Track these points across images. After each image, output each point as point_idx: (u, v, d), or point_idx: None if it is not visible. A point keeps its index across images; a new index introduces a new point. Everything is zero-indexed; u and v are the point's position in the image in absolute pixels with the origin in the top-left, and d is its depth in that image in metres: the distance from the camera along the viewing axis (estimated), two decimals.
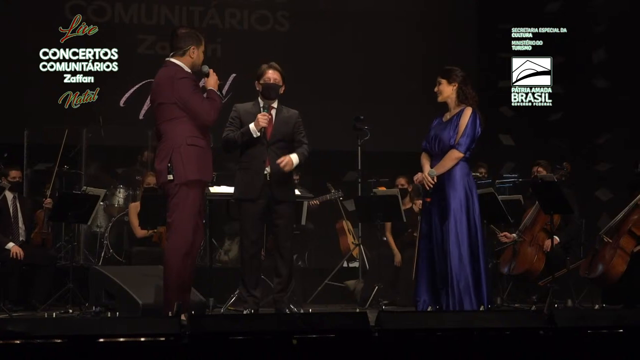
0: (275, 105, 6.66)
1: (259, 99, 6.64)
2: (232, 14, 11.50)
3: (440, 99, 6.26)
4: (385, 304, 7.99)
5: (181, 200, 5.61)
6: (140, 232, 8.65)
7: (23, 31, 10.88)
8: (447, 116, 6.24)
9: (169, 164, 5.60)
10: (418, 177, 6.21)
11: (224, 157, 7.46)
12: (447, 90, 6.21)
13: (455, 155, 6.08)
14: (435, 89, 6.25)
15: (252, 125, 6.47)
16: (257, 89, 6.69)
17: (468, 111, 6.15)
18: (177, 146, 5.60)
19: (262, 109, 6.52)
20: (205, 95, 5.71)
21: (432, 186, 6.06)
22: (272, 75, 6.61)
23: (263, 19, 11.53)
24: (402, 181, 8.94)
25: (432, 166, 6.16)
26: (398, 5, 11.56)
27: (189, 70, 5.75)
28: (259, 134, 6.47)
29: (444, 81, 6.21)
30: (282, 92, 6.67)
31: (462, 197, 6.06)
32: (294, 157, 6.58)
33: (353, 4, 11.51)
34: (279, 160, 6.48)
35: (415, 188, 8.61)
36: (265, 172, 6.53)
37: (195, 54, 5.76)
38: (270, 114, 6.56)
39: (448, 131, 6.13)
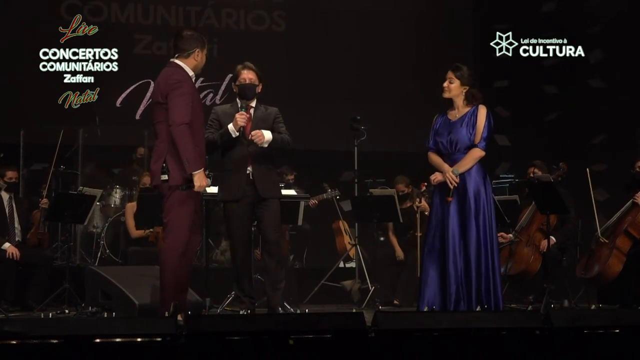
0: (253, 104, 6.59)
1: (237, 99, 6.60)
2: (229, 13, 11.50)
3: (447, 95, 6.14)
4: (381, 304, 8.00)
5: (176, 201, 5.61)
6: (135, 233, 8.65)
7: (23, 31, 10.87)
8: (456, 115, 6.14)
9: (164, 164, 5.61)
10: (437, 177, 6.09)
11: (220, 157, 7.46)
12: (457, 91, 6.12)
13: (478, 154, 6.04)
14: (445, 85, 6.13)
15: (230, 126, 6.40)
16: (234, 90, 6.65)
17: (483, 110, 6.10)
18: (170, 148, 5.60)
19: (240, 109, 6.44)
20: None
21: (456, 185, 6.01)
22: (247, 75, 6.54)
23: (259, 19, 11.53)
24: (401, 187, 8.92)
25: None
26: (395, 6, 11.57)
27: (191, 73, 5.75)
28: (237, 133, 6.39)
29: (457, 81, 6.11)
30: (259, 90, 6.60)
31: (482, 197, 6.02)
32: (267, 133, 6.41)
33: (350, 4, 11.51)
34: (252, 133, 6.35)
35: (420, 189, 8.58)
36: (248, 171, 6.45)
37: (200, 56, 5.78)
38: (249, 113, 6.51)
39: (466, 130, 6.06)
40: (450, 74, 6.14)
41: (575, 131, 11.02)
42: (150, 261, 7.14)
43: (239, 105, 6.51)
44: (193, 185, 5.58)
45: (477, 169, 6.06)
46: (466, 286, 5.94)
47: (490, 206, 6.07)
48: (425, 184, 8.15)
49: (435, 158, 6.16)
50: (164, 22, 11.27)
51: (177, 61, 5.75)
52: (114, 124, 10.62)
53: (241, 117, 6.36)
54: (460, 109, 6.15)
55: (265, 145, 6.42)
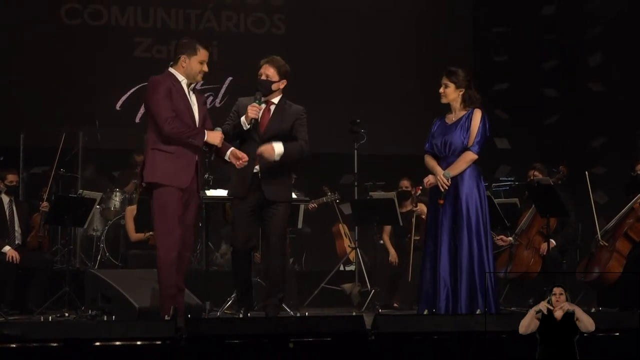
0: (275, 100, 6.40)
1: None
2: (229, 16, 11.49)
3: (444, 100, 6.17)
4: (381, 307, 7.99)
5: (156, 204, 5.70)
6: (135, 236, 8.64)
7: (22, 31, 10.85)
8: (452, 118, 6.16)
9: (142, 171, 5.74)
10: (430, 179, 6.12)
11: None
12: (454, 95, 6.13)
13: (470, 157, 6.04)
14: (441, 91, 6.15)
15: (242, 118, 6.21)
16: None
17: (478, 113, 6.11)
18: (148, 150, 5.75)
19: (254, 102, 6.22)
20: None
21: (447, 188, 6.01)
22: (264, 70, 6.40)
23: (259, 22, 11.53)
24: (405, 183, 8.92)
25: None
26: (395, 6, 11.56)
27: (181, 77, 5.78)
28: (248, 126, 6.17)
29: (452, 85, 6.11)
30: (281, 87, 6.40)
31: (474, 200, 6.02)
32: (278, 146, 6.16)
33: (350, 3, 11.50)
34: (260, 149, 6.13)
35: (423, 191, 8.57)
36: (255, 170, 6.24)
37: (187, 63, 5.81)
38: (267, 107, 6.33)
39: (459, 133, 6.07)
40: (444, 79, 6.16)
41: (575, 134, 11.01)
42: (150, 264, 7.09)
43: (254, 98, 6.28)
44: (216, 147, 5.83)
45: (471, 171, 6.07)
46: (456, 288, 5.94)
47: (484, 208, 6.07)
48: (420, 187, 8.17)
49: (430, 161, 6.19)
50: (164, 25, 11.26)
51: (170, 69, 5.88)
52: (113, 127, 10.60)
53: (252, 109, 6.16)
54: (457, 112, 6.18)
55: (277, 159, 6.16)
